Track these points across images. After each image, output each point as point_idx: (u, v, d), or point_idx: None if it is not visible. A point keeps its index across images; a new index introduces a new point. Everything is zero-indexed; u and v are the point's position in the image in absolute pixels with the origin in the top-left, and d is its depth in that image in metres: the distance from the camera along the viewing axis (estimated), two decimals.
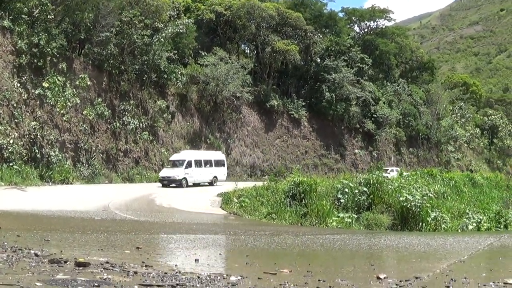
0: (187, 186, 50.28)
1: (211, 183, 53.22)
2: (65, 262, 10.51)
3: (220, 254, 15.29)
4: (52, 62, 47.83)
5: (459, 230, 30.59)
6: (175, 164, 51.64)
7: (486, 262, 16.09)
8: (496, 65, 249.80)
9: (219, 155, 58.11)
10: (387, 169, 72.84)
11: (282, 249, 18.16)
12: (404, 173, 50.92)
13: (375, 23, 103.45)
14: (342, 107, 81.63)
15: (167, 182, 49.73)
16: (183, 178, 50.20)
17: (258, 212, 32.42)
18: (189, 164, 51.25)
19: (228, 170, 58.68)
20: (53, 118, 47.24)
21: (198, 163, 52.72)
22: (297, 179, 33.26)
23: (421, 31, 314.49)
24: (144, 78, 58.79)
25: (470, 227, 31.29)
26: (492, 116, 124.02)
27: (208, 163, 54.35)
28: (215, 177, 54.40)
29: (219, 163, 55.97)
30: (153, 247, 15.91)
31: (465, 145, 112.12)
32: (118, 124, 54.17)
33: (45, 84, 44.92)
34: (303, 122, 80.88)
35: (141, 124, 55.95)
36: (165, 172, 51.04)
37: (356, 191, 32.39)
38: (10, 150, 41.36)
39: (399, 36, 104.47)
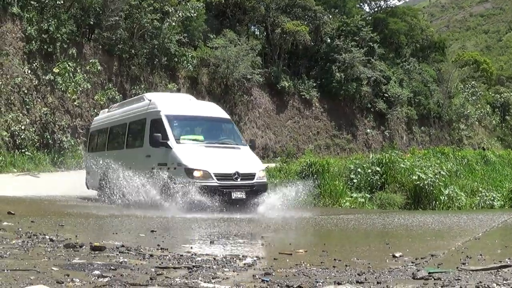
0: None
1: None
2: (81, 246, 10.54)
3: (235, 235, 15.30)
4: (62, 48, 47.75)
5: (474, 208, 30.50)
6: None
7: (501, 239, 16.05)
8: (507, 43, 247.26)
9: None
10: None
11: (297, 229, 18.18)
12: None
13: (385, 3, 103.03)
14: (353, 87, 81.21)
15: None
16: None
17: None
18: None
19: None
20: (64, 103, 47.31)
21: None
22: (310, 160, 33.30)
23: (431, 9, 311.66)
24: (155, 62, 58.62)
25: (493, 206, 31.15)
26: (504, 94, 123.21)
27: None
28: None
29: None
30: (167, 230, 15.94)
31: (477, 123, 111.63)
32: None
33: (56, 70, 44.94)
34: (314, 102, 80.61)
35: None
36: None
37: (369, 171, 32.32)
38: (22, 136, 41.44)
39: (409, 16, 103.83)
